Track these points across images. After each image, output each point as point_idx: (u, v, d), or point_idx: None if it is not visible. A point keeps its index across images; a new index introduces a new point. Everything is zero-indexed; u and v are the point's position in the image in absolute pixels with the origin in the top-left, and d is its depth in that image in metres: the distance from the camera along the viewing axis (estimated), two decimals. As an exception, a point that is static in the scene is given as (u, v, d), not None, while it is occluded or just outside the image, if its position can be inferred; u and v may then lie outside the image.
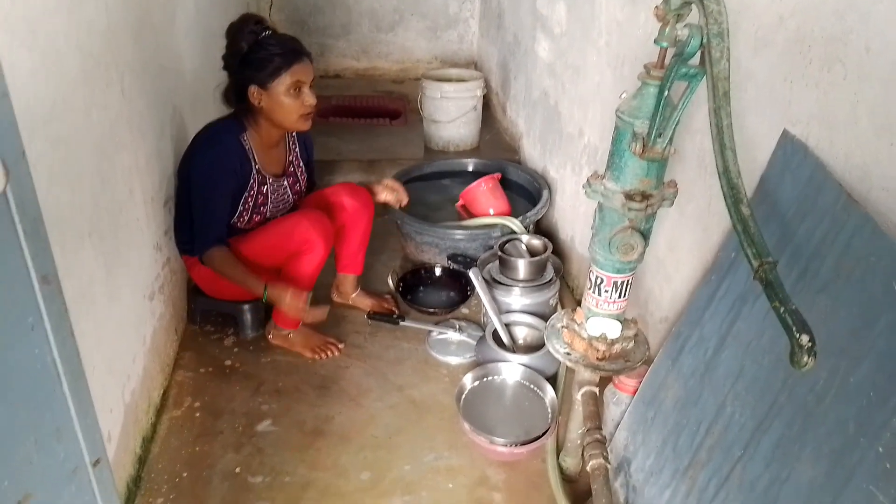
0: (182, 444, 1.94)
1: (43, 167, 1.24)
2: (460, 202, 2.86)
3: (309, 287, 2.22)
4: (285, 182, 2.29)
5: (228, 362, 2.27)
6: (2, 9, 1.13)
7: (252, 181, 2.17)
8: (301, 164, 2.37)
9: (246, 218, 2.21)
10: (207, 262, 2.13)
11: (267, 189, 2.23)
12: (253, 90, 2.05)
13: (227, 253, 2.13)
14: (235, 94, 2.11)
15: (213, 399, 2.11)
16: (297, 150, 2.35)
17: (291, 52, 2.03)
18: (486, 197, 2.79)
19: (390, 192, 2.45)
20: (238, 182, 2.14)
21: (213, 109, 2.95)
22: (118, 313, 1.72)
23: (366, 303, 2.54)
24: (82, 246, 1.48)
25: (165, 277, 2.17)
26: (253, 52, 2.02)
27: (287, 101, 2.05)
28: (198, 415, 2.05)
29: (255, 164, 2.17)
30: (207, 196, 2.10)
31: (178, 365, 2.25)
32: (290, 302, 2.12)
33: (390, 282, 2.67)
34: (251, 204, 2.20)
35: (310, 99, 2.08)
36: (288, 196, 2.32)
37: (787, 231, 1.27)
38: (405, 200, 2.43)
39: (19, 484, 0.81)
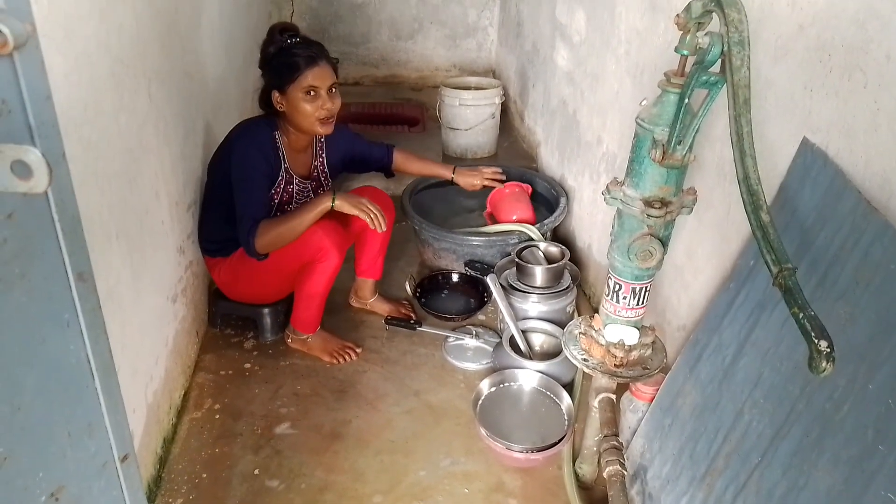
0: (202, 446, 1.97)
1: (75, 169, 1.26)
2: (488, 209, 2.86)
3: (323, 297, 2.25)
4: (310, 185, 2.33)
5: (248, 365, 2.30)
6: (40, 12, 1.17)
7: (280, 178, 2.22)
8: (326, 169, 2.40)
9: (270, 214, 2.24)
10: (260, 239, 2.05)
11: (293, 189, 2.27)
12: (275, 95, 2.12)
13: (271, 222, 2.08)
14: (264, 99, 2.18)
15: (233, 401, 2.14)
16: (324, 156, 2.39)
17: (307, 57, 2.08)
18: (509, 202, 2.79)
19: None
20: (271, 174, 2.18)
21: (235, 116, 3.00)
22: (142, 315, 1.75)
23: (384, 308, 2.57)
24: (110, 247, 1.51)
25: (188, 280, 2.20)
26: (276, 58, 2.10)
27: (303, 105, 2.09)
28: (217, 417, 2.08)
29: (285, 162, 2.22)
30: (248, 179, 2.10)
31: (199, 367, 2.28)
32: (365, 209, 2.10)
33: (408, 287, 2.69)
34: (277, 201, 2.23)
35: (327, 103, 2.11)
36: (310, 197, 2.35)
37: (807, 238, 1.28)
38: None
39: (54, 476, 0.83)
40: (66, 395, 0.84)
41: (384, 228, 2.13)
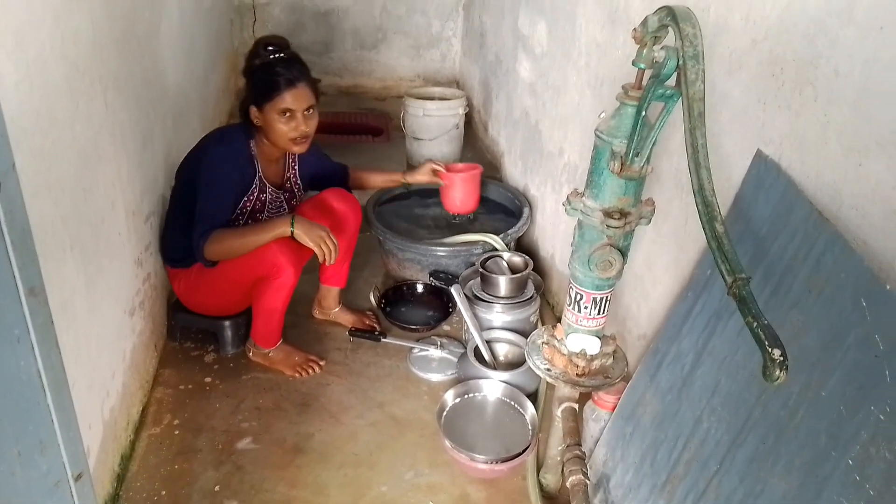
0: (161, 462, 1.93)
1: (26, 180, 1.23)
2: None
3: (281, 313, 2.22)
4: (283, 195, 2.32)
5: (208, 379, 2.26)
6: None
7: (254, 186, 2.20)
8: (298, 181, 2.40)
9: (241, 222, 2.21)
10: (211, 246, 2.01)
11: (266, 197, 2.25)
12: (252, 110, 2.12)
13: (222, 231, 2.04)
14: (242, 109, 2.18)
15: (193, 416, 2.10)
16: (296, 168, 2.38)
17: (287, 79, 2.06)
18: (454, 190, 2.77)
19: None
20: (242, 182, 2.17)
21: (196, 123, 2.96)
22: (98, 328, 1.71)
23: (347, 318, 2.55)
24: (64, 259, 1.48)
25: (146, 293, 2.16)
26: (258, 73, 2.09)
27: (278, 125, 2.09)
28: (177, 432, 2.04)
29: (259, 171, 2.21)
30: (215, 187, 2.08)
31: (158, 382, 2.23)
32: (320, 239, 2.02)
33: (372, 298, 2.68)
34: (248, 209, 2.21)
35: (301, 125, 2.10)
36: (284, 209, 2.34)
37: (761, 248, 1.31)
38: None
39: (1, 496, 0.81)
40: (15, 412, 0.82)
41: (333, 262, 2.07)
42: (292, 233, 2.02)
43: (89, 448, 1.60)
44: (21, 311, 0.80)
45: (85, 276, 1.61)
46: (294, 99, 2.07)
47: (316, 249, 2.03)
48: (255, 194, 2.21)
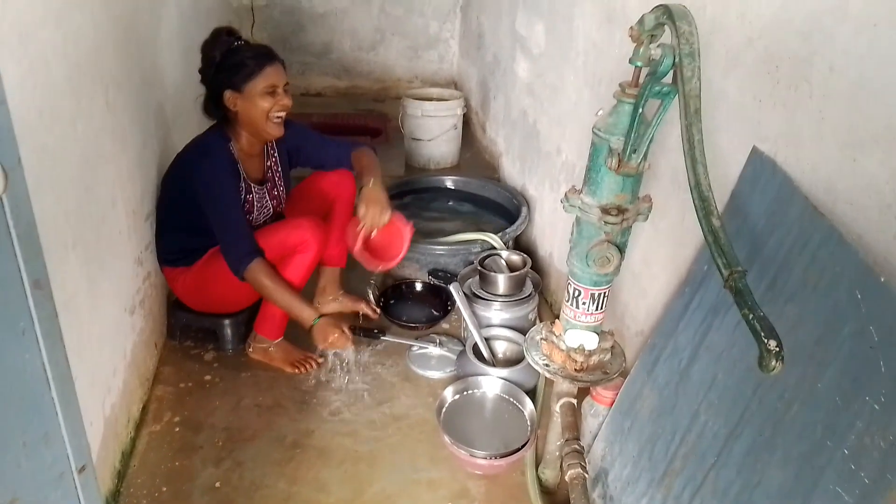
0: (161, 459, 1.93)
1: (30, 176, 1.24)
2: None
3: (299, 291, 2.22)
4: (265, 190, 2.32)
5: (208, 377, 2.27)
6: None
7: (241, 190, 2.20)
8: (280, 169, 2.39)
9: None
10: (251, 280, 2.06)
11: (253, 197, 2.26)
12: (228, 95, 2.09)
13: (272, 270, 2.08)
14: (213, 102, 2.15)
15: (193, 414, 2.11)
16: (276, 155, 2.37)
17: (264, 55, 2.09)
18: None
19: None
20: (238, 188, 2.18)
21: (194, 123, 2.96)
22: (99, 326, 1.72)
23: (350, 305, 2.56)
24: (66, 256, 1.49)
25: (146, 292, 2.17)
26: (226, 59, 2.09)
27: (262, 103, 2.09)
28: (177, 430, 2.04)
29: (243, 173, 2.21)
30: (224, 207, 2.09)
31: (158, 380, 2.24)
32: (334, 341, 2.11)
33: (370, 296, 2.68)
34: None
35: (284, 100, 2.12)
36: (267, 202, 2.33)
37: (757, 244, 1.32)
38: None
39: (7, 487, 0.82)
40: (21, 405, 0.83)
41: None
42: (311, 327, 2.10)
43: (90, 445, 1.60)
44: (26, 303, 0.81)
45: (87, 273, 1.62)
46: (275, 74, 2.09)
47: (327, 350, 2.18)
48: (243, 196, 2.21)
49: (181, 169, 2.18)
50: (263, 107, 2.09)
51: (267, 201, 2.33)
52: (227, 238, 2.09)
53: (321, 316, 2.11)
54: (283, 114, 2.14)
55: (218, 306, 2.33)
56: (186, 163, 2.16)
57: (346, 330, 2.12)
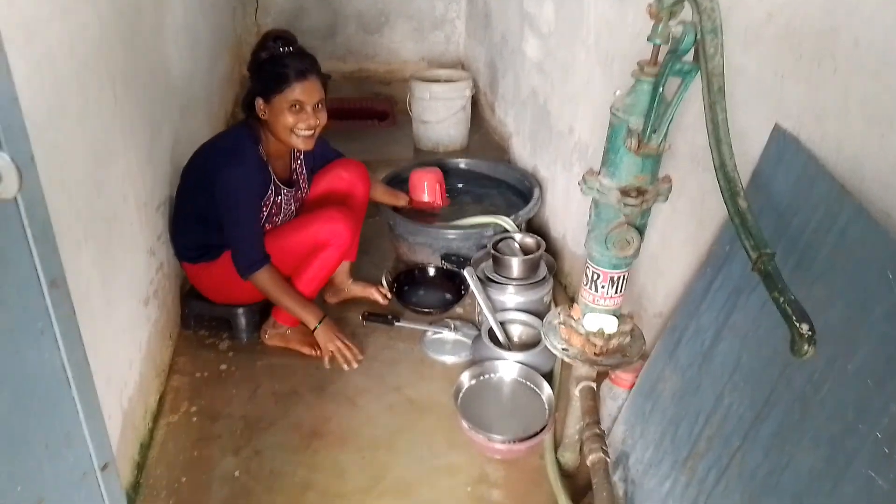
0: (180, 450, 1.94)
1: (41, 174, 1.23)
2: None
3: (322, 283, 2.30)
4: (291, 193, 2.31)
5: (224, 366, 2.27)
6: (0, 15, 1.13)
7: (270, 192, 2.19)
8: (304, 171, 2.39)
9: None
10: (256, 284, 2.15)
11: (280, 199, 2.25)
12: (259, 102, 2.09)
13: (278, 275, 2.17)
14: (247, 103, 2.15)
15: (210, 403, 2.11)
16: (301, 157, 2.37)
17: (298, 71, 2.05)
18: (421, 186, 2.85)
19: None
20: (261, 191, 2.17)
21: (202, 115, 2.95)
22: (115, 320, 1.72)
23: (361, 291, 2.60)
24: (79, 253, 1.48)
25: (159, 282, 2.16)
26: (266, 66, 2.07)
27: (286, 118, 2.07)
28: (195, 419, 2.05)
29: (272, 175, 2.20)
30: (242, 214, 2.10)
31: (174, 370, 2.24)
32: (335, 348, 2.25)
33: (384, 283, 2.67)
34: (265, 214, 2.20)
35: (310, 119, 2.08)
36: (292, 204, 2.33)
37: (782, 223, 1.29)
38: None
39: (32, 489, 0.81)
40: (42, 406, 0.82)
41: (348, 368, 2.26)
42: (315, 329, 2.23)
43: (110, 438, 1.61)
44: (44, 303, 0.80)
45: (100, 268, 1.61)
46: (304, 91, 2.05)
47: (326, 353, 2.26)
48: (272, 198, 2.21)
49: (208, 167, 2.14)
50: (287, 122, 2.07)
51: (292, 204, 2.33)
52: (240, 244, 2.13)
53: (324, 317, 2.24)
54: (309, 132, 2.11)
55: (244, 300, 2.33)
56: (214, 163, 2.12)
57: (344, 344, 2.26)
